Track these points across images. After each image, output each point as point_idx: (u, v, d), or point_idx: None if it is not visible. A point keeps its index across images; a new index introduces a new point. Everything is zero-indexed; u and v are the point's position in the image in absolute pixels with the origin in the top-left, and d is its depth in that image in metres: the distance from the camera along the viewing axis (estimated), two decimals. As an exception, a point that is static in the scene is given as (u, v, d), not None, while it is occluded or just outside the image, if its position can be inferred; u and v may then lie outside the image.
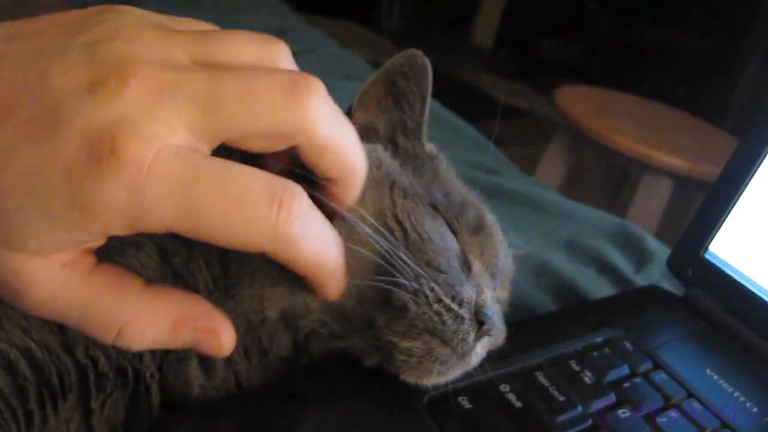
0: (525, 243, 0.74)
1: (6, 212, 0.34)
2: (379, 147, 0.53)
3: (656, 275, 0.82)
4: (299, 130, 0.38)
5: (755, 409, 0.54)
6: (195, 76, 0.36)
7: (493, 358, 0.51)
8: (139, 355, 0.44)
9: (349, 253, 0.45)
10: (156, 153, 0.34)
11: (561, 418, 0.49)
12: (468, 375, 0.49)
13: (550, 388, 0.52)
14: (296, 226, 0.37)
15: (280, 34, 1.53)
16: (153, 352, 0.44)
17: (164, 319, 0.40)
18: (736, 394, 0.56)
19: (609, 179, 2.88)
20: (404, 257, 0.45)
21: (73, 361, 0.42)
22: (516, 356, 0.54)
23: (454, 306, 0.46)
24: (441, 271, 0.47)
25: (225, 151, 0.38)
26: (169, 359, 0.45)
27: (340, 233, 0.43)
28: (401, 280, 0.45)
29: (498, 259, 0.54)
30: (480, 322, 0.47)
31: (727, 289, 0.66)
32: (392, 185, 0.50)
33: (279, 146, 0.39)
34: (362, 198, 0.48)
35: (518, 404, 0.50)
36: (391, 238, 0.46)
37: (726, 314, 0.65)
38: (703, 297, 0.67)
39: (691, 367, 0.58)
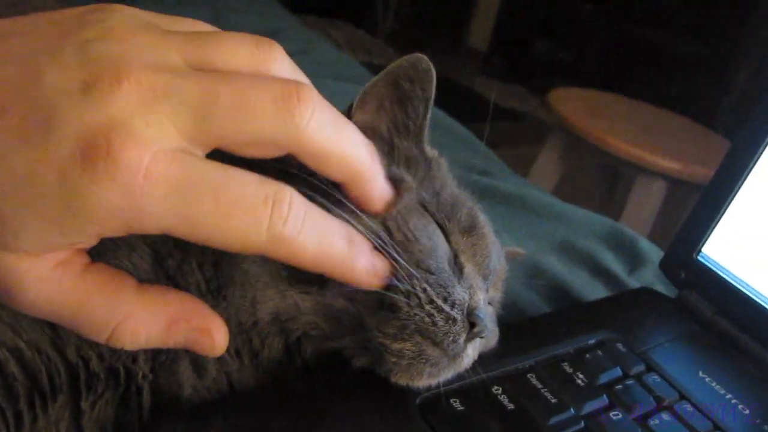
0: (518, 244, 0.73)
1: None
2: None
3: (649, 277, 0.82)
4: (291, 139, 0.38)
5: (747, 411, 0.55)
6: (188, 81, 0.36)
7: (485, 359, 0.51)
8: (133, 356, 0.43)
9: None
10: (152, 156, 0.34)
11: (553, 420, 0.49)
12: (460, 377, 0.49)
13: (542, 390, 0.51)
14: (290, 225, 0.37)
15: (275, 34, 1.53)
16: (147, 353, 0.44)
17: (157, 318, 0.40)
18: (729, 396, 0.56)
19: (602, 181, 2.88)
20: (396, 257, 0.45)
21: (64, 361, 0.42)
22: (509, 358, 0.54)
23: (446, 307, 0.46)
24: (431, 272, 0.47)
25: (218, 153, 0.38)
26: (160, 360, 0.44)
27: None
28: (393, 281, 0.45)
29: (490, 259, 0.54)
30: (471, 324, 0.47)
31: (719, 291, 0.66)
32: None
33: (275, 153, 0.39)
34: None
35: (510, 406, 0.49)
36: (382, 238, 0.46)
37: (719, 316, 0.65)
38: (695, 299, 0.67)
39: (684, 369, 0.58)
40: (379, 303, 0.45)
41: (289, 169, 0.44)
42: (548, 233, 0.90)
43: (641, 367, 0.57)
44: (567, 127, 2.43)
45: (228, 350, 0.45)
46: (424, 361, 0.45)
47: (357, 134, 0.43)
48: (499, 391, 0.50)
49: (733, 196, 0.66)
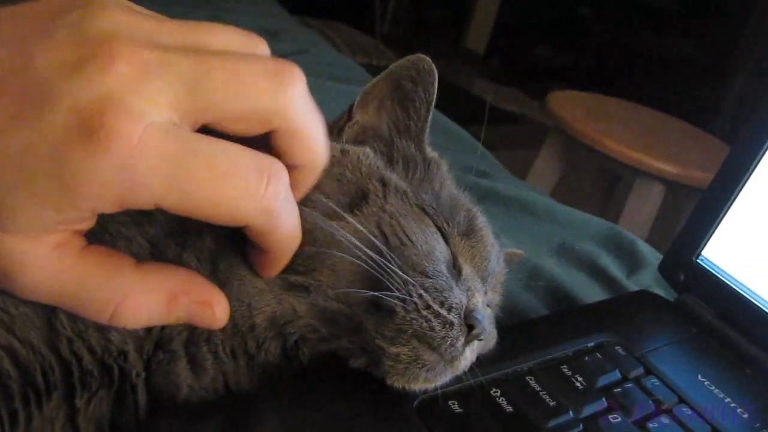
0: (516, 247, 0.73)
1: None
2: (368, 149, 0.53)
3: (648, 280, 0.82)
4: (279, 113, 0.39)
5: (746, 415, 0.54)
6: (182, 56, 0.36)
7: (484, 362, 0.51)
8: (124, 354, 0.43)
9: (338, 259, 0.45)
10: (144, 129, 0.34)
11: (552, 423, 0.49)
12: (459, 379, 0.49)
13: (541, 393, 0.51)
14: (281, 200, 0.39)
15: (273, 34, 1.53)
16: (139, 351, 0.44)
17: (157, 294, 0.40)
18: (727, 399, 0.56)
19: (600, 184, 2.88)
20: (390, 264, 0.45)
21: (57, 358, 0.41)
22: (507, 360, 0.54)
23: (443, 312, 0.45)
24: (428, 276, 0.46)
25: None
26: (157, 359, 0.44)
27: (331, 238, 0.45)
28: (389, 288, 0.45)
29: (489, 262, 0.54)
30: (470, 327, 0.47)
31: (719, 294, 0.66)
32: (378, 189, 0.50)
33: (256, 130, 0.39)
34: (351, 203, 0.48)
35: (509, 409, 0.49)
36: (375, 243, 0.46)
37: (718, 320, 0.65)
38: (695, 302, 0.67)
39: (683, 372, 0.58)
40: (375, 305, 0.45)
41: None
42: (547, 236, 0.90)
43: (640, 370, 0.57)
44: (565, 130, 2.44)
45: (225, 350, 0.46)
46: (420, 365, 0.45)
47: (324, 125, 0.43)
48: (498, 394, 0.50)
49: (734, 199, 0.65)
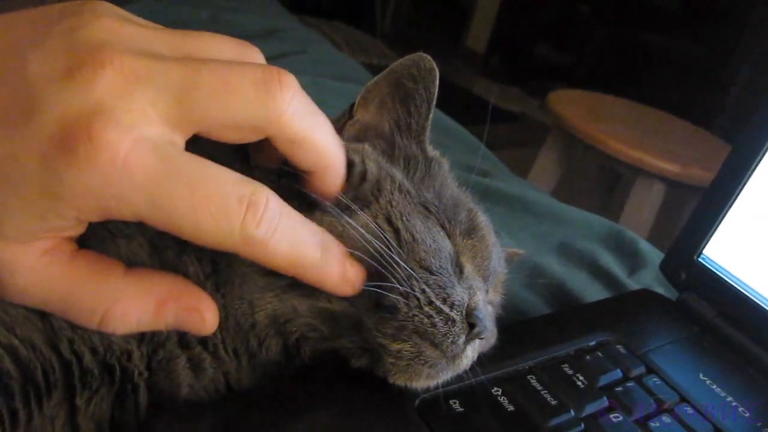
0: (517, 245, 0.73)
1: None
2: (367, 146, 0.53)
3: (649, 279, 0.82)
4: (271, 122, 0.39)
5: (747, 414, 0.54)
6: (171, 66, 0.36)
7: (485, 361, 0.51)
8: (128, 353, 0.43)
9: None
10: (131, 143, 0.34)
11: (553, 422, 0.49)
12: (460, 378, 0.49)
13: (542, 392, 0.51)
14: (263, 228, 0.38)
15: (273, 33, 1.53)
16: (142, 350, 0.43)
17: (146, 300, 0.40)
18: (729, 398, 0.56)
19: (601, 183, 2.88)
20: (396, 258, 0.45)
21: (58, 357, 0.41)
22: (508, 359, 0.54)
23: (445, 308, 0.45)
24: (432, 273, 0.46)
25: (213, 144, 0.38)
26: (157, 359, 0.44)
27: (332, 230, 0.44)
28: (393, 283, 0.44)
29: (490, 261, 0.54)
30: (471, 325, 0.46)
31: (720, 293, 0.65)
32: (383, 185, 0.50)
33: (251, 138, 0.39)
34: (354, 198, 0.48)
35: (510, 408, 0.49)
36: (383, 238, 0.46)
37: (719, 319, 0.65)
38: (696, 301, 0.67)
39: (684, 371, 0.58)
40: (377, 303, 0.45)
41: (283, 167, 0.44)
42: (548, 234, 0.90)
43: (641, 369, 0.57)
44: (566, 129, 2.44)
45: (226, 350, 0.46)
46: (422, 362, 0.45)
47: (329, 125, 0.43)
48: (499, 393, 0.50)
49: (735, 198, 0.65)
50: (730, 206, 0.66)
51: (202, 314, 0.42)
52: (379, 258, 0.45)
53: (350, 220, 0.45)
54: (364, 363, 0.47)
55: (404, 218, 0.48)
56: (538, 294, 0.75)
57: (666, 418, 0.52)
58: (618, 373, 0.55)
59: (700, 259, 0.68)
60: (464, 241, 0.52)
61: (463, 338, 0.46)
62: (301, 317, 0.46)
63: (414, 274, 0.45)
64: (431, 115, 0.55)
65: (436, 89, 0.54)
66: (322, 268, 0.42)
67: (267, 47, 1.54)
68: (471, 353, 0.48)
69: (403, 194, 0.50)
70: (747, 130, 0.66)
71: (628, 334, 0.61)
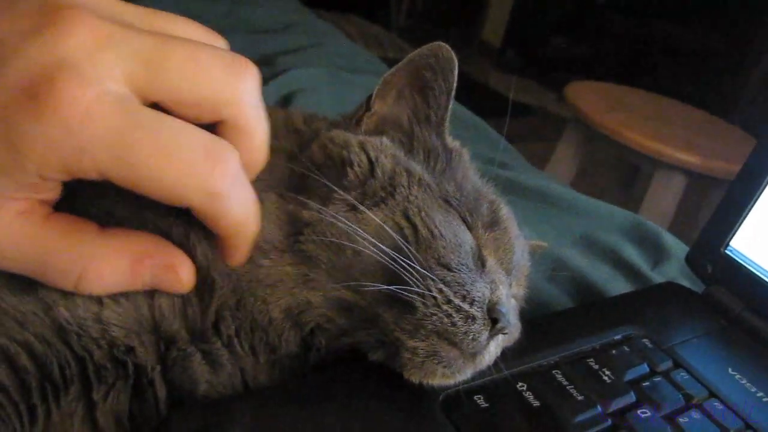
0: (539, 238, 0.72)
1: None
2: (385, 139, 0.52)
3: (673, 272, 0.80)
4: (230, 104, 0.39)
5: (779, 410, 0.53)
6: (143, 34, 0.36)
7: (509, 355, 0.50)
8: (131, 349, 0.42)
9: (355, 253, 0.45)
10: (95, 95, 0.34)
11: (579, 417, 0.48)
12: (484, 373, 0.48)
13: (568, 387, 0.50)
14: (227, 183, 0.38)
15: (290, 27, 1.53)
16: (144, 346, 0.43)
17: (121, 259, 0.40)
18: (760, 394, 0.54)
19: (619, 175, 2.86)
20: (411, 258, 0.44)
21: (72, 352, 0.41)
22: (533, 354, 0.53)
23: (465, 306, 0.44)
24: (451, 269, 0.46)
25: None
26: (172, 356, 0.44)
27: (347, 229, 0.44)
28: (408, 285, 0.44)
29: (513, 254, 0.53)
30: (494, 320, 0.46)
31: (748, 285, 0.64)
32: (399, 180, 0.49)
33: (205, 118, 0.39)
34: (363, 195, 0.47)
35: (536, 403, 0.48)
36: (398, 236, 0.45)
37: (747, 312, 0.64)
38: (723, 294, 0.66)
39: (712, 366, 0.57)
40: (393, 298, 0.44)
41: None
42: (569, 227, 0.89)
43: (668, 364, 0.56)
44: (585, 121, 2.41)
45: (242, 347, 0.45)
46: (437, 361, 0.44)
47: (268, 129, 0.43)
48: (524, 388, 0.49)
49: (763, 189, 0.64)
50: (758, 197, 0.64)
51: (177, 271, 0.42)
52: (390, 260, 0.44)
53: (352, 226, 0.45)
54: (381, 356, 0.46)
55: (423, 213, 0.47)
56: (560, 287, 0.74)
57: (695, 414, 0.51)
58: (645, 368, 0.54)
59: (727, 251, 0.66)
60: (486, 234, 0.51)
61: (485, 335, 0.45)
62: (316, 308, 0.46)
63: (429, 274, 0.44)
64: (450, 106, 0.54)
65: (456, 79, 0.53)
66: (251, 238, 0.43)
67: (283, 40, 1.53)
68: (494, 349, 0.48)
69: (422, 188, 0.49)
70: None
71: (653, 328, 0.60)
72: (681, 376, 0.54)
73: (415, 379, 0.45)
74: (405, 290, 0.44)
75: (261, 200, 0.43)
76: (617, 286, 0.76)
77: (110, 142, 0.34)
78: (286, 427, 0.43)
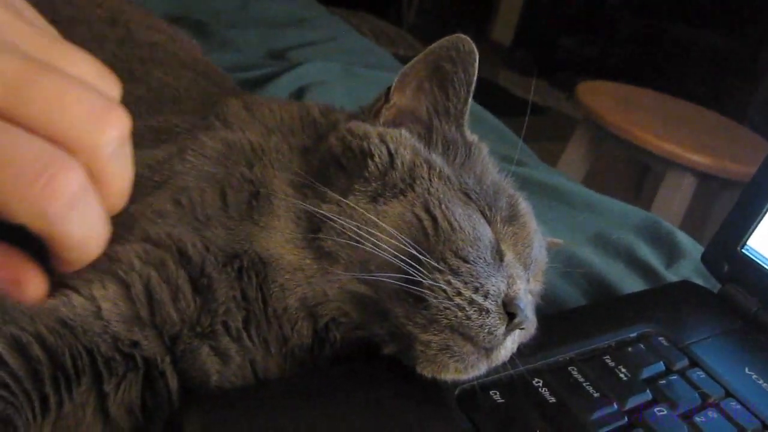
0: (552, 235, 0.72)
1: None
2: (404, 131, 0.52)
3: (687, 271, 0.80)
4: (86, 151, 0.36)
5: (797, 410, 0.52)
6: (18, 60, 0.34)
7: (525, 351, 0.50)
8: (136, 343, 0.42)
9: (373, 247, 0.45)
10: None
11: (596, 415, 0.47)
12: (499, 368, 0.47)
13: (584, 384, 0.50)
14: (59, 206, 0.35)
15: (303, 22, 1.52)
16: (149, 340, 0.43)
17: None
18: (777, 394, 0.54)
19: (630, 176, 2.85)
20: (424, 251, 0.44)
21: (82, 344, 0.41)
22: (549, 350, 0.52)
23: (478, 298, 0.44)
24: (467, 262, 0.45)
25: None
26: (179, 349, 0.43)
27: (367, 221, 0.44)
28: (416, 277, 0.43)
29: (532, 249, 0.52)
30: (511, 315, 0.45)
31: (765, 285, 0.64)
32: (418, 172, 0.49)
33: None
34: (382, 187, 0.47)
35: (552, 400, 0.48)
36: (408, 232, 0.45)
37: (764, 311, 0.63)
38: (739, 293, 0.65)
39: (729, 365, 0.56)
40: (404, 292, 0.44)
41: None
42: (583, 224, 0.88)
43: (684, 362, 0.55)
44: (595, 121, 2.40)
45: (252, 339, 0.45)
46: (449, 355, 0.44)
47: (130, 180, 0.40)
48: (540, 384, 0.49)
49: (782, 187, 0.63)
50: (776, 196, 0.64)
51: (21, 287, 0.39)
52: (403, 251, 0.44)
53: (360, 224, 0.45)
54: (393, 350, 0.46)
55: (443, 206, 0.47)
56: (574, 284, 0.73)
57: (712, 413, 0.50)
58: (661, 366, 0.54)
59: (743, 251, 0.66)
60: (505, 228, 0.51)
61: (502, 329, 0.45)
62: (331, 302, 0.46)
63: (438, 266, 0.44)
64: (470, 99, 0.54)
65: (476, 72, 0.52)
66: (93, 255, 0.39)
67: (297, 35, 1.53)
68: (510, 344, 0.47)
69: (442, 180, 0.49)
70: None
71: (669, 327, 0.59)
72: (697, 375, 0.54)
73: (427, 372, 0.45)
74: (416, 285, 0.43)
75: (276, 197, 0.43)
76: (631, 284, 0.76)
77: None
78: (301, 419, 0.42)
